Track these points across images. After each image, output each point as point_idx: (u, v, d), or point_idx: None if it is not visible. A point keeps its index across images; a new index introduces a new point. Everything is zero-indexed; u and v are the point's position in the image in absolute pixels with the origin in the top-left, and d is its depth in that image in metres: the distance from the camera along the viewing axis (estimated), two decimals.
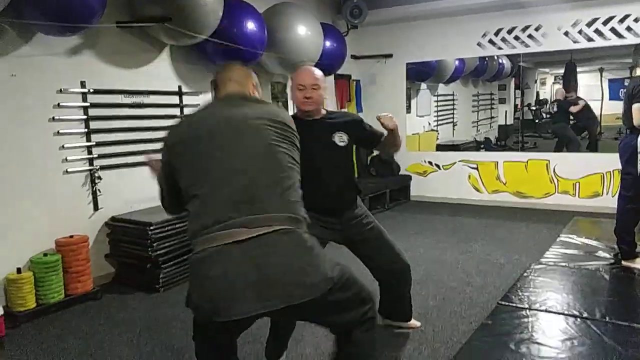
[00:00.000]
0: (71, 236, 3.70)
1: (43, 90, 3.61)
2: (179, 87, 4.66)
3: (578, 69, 8.49)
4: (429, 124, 9.16)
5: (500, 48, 6.16)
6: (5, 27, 3.27)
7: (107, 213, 4.06)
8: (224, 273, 1.50)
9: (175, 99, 4.63)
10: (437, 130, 9.29)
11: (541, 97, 11.46)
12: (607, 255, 3.92)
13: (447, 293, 3.45)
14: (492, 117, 11.33)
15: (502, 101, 11.46)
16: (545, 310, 2.98)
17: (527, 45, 5.94)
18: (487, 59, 9.62)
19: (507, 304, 3.10)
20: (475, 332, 2.78)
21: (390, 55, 6.80)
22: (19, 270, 3.39)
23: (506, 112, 11.05)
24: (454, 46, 6.40)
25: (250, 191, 1.60)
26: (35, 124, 3.58)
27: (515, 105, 10.90)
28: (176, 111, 4.62)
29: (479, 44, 6.24)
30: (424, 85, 8.69)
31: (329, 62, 5.71)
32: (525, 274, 3.61)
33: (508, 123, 10.90)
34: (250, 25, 4.58)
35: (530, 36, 5.90)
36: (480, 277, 3.72)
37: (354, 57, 6.90)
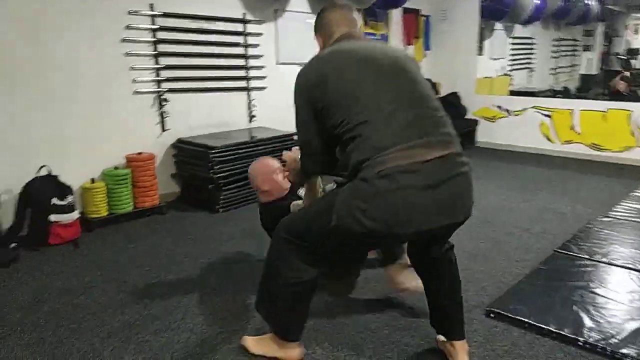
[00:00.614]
0: (139, 153, 3.89)
1: (114, 11, 3.72)
2: (243, 14, 4.63)
3: None
4: (502, 68, 8.66)
5: None
6: None
7: (174, 135, 4.22)
8: (413, 189, 1.54)
9: (239, 27, 4.62)
10: (511, 76, 8.78)
11: (632, 47, 10.47)
12: None
13: (503, 237, 3.38)
14: (573, 65, 10.55)
15: (587, 48, 10.60)
16: (606, 263, 2.85)
17: None
18: None
19: (565, 252, 3.00)
20: (526, 275, 2.72)
21: None
22: (92, 181, 3.64)
23: (590, 60, 10.24)
24: None
25: (426, 115, 1.64)
26: (106, 44, 3.71)
27: (602, 54, 10.06)
28: (240, 39, 4.62)
29: None
30: (499, 25, 8.14)
31: None
32: (588, 225, 3.45)
33: (591, 73, 10.12)
34: None
35: None
36: (540, 225, 3.59)
37: None
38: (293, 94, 1.78)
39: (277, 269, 1.85)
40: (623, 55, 10.28)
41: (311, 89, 1.71)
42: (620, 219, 3.60)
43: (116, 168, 3.76)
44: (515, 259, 3.00)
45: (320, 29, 1.92)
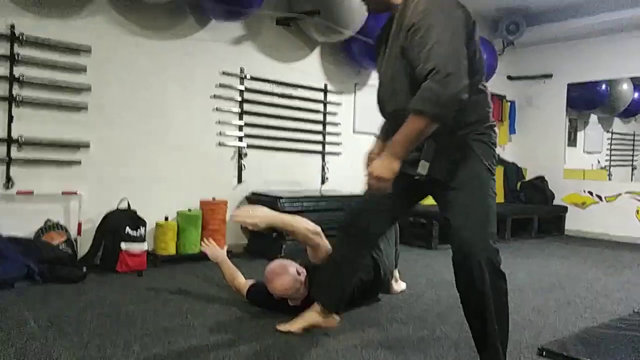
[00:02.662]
0: (213, 198, 4.17)
1: (209, 70, 4.21)
2: (325, 85, 5.01)
3: None
4: (599, 162, 8.24)
5: None
6: (187, 13, 3.95)
7: (248, 187, 4.48)
8: None
9: (320, 96, 4.98)
10: (609, 171, 8.30)
11: None
12: None
13: (574, 299, 3.06)
14: None
15: None
16: None
17: None
18: None
19: None
20: (594, 326, 2.42)
21: (549, 76, 6.41)
22: (166, 219, 3.92)
23: None
24: (623, 64, 5.80)
25: None
26: (200, 98, 4.18)
27: None
28: (320, 106, 4.96)
29: None
30: (593, 118, 7.90)
31: None
32: None
33: None
34: None
35: None
36: (622, 293, 3.22)
37: (509, 77, 6.65)
38: (448, 12, 1.65)
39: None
40: None
41: (467, 25, 1.67)
42: None
43: (189, 210, 4.04)
44: (583, 316, 2.70)
45: None
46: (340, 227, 2.20)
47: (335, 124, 5.10)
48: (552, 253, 4.88)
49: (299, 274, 2.47)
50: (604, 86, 6.62)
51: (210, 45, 4.20)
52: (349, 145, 5.18)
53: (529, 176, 6.64)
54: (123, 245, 3.48)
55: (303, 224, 2.45)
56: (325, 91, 5.01)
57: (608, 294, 3.20)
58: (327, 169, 5.01)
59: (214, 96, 4.24)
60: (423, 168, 1.75)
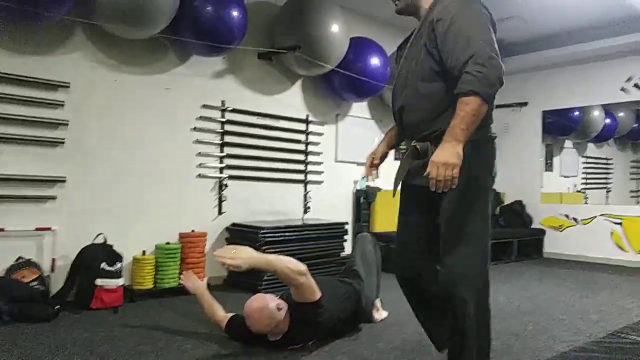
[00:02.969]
0: (193, 230, 4.16)
1: (190, 103, 4.26)
2: (307, 115, 5.10)
3: None
4: (575, 185, 8.44)
5: None
6: (168, 47, 4.01)
7: (229, 218, 4.49)
8: None
9: (302, 126, 5.06)
10: (585, 194, 8.50)
11: None
12: None
13: (553, 323, 3.11)
14: None
15: None
16: None
17: None
18: None
19: (620, 334, 2.70)
20: (569, 350, 2.46)
21: (525, 104, 6.61)
22: (144, 253, 3.90)
23: None
24: (594, 92, 6.03)
25: None
26: (180, 130, 4.21)
27: None
28: (302, 137, 5.03)
29: (622, 89, 5.78)
30: (568, 143, 8.13)
31: None
32: None
33: None
34: (374, 61, 4.90)
35: None
36: (597, 315, 3.28)
37: None
38: (478, 12, 1.80)
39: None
40: None
41: (492, 25, 1.81)
42: None
43: (168, 243, 4.01)
44: (561, 340, 2.74)
45: None
46: (401, 285, 2.14)
47: (318, 154, 5.16)
48: (531, 276, 4.94)
49: (279, 309, 2.45)
50: (577, 113, 6.85)
51: (191, 80, 4.27)
52: (331, 174, 5.25)
53: (507, 201, 6.76)
54: (98, 281, 3.43)
55: (285, 264, 2.42)
56: (307, 122, 5.08)
57: (584, 317, 3.26)
58: (310, 197, 5.05)
59: (195, 129, 4.28)
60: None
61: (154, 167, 4.07)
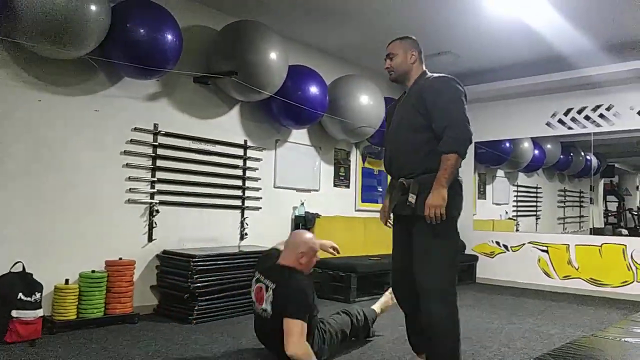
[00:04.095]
0: (120, 258, 3.97)
1: (120, 126, 4.12)
2: (245, 141, 5.05)
3: None
4: (507, 212, 8.82)
5: (570, 128, 5.99)
6: (96, 68, 3.87)
7: (160, 246, 4.33)
8: None
9: (240, 151, 5.00)
10: (517, 221, 8.88)
11: None
12: None
13: (480, 350, 3.17)
14: (581, 216, 10.62)
15: (593, 202, 10.77)
16: None
17: (598, 125, 5.74)
18: (572, 153, 9.31)
19: None
20: None
21: None
22: (66, 282, 3.68)
23: (597, 213, 10.32)
24: (523, 126, 6.35)
25: None
26: (108, 154, 4.05)
27: (607, 210, 10.20)
28: (239, 162, 4.97)
29: (548, 124, 6.13)
30: (500, 172, 8.51)
31: None
32: (569, 342, 3.22)
33: (597, 226, 10.15)
34: (313, 89, 4.95)
35: (601, 116, 5.72)
36: (522, 342, 3.38)
37: None
38: (455, 87, 2.44)
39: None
40: (636, 211, 10.37)
41: (465, 100, 2.45)
42: (607, 338, 3.35)
43: (93, 271, 3.81)
44: None
45: (420, 50, 2.59)
46: (394, 292, 2.73)
47: (256, 179, 5.11)
48: (463, 303, 5.03)
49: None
50: (507, 144, 7.18)
51: (122, 102, 4.14)
52: (269, 200, 5.20)
53: None
54: (14, 313, 3.21)
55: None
56: (245, 147, 5.03)
57: (509, 343, 3.35)
58: (247, 224, 4.97)
59: (124, 152, 4.14)
60: (411, 198, 2.38)
61: (80, 191, 3.88)
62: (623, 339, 3.32)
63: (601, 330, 3.58)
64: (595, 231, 9.92)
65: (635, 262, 5.33)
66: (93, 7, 3.35)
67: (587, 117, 5.82)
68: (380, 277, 5.27)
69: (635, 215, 10.24)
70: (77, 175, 3.87)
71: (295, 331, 2.56)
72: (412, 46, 2.57)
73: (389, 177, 2.72)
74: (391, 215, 2.63)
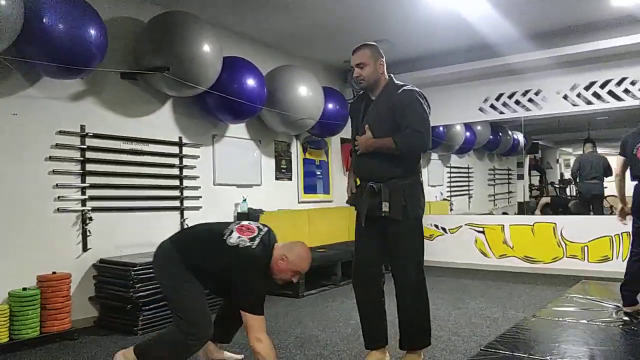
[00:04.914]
0: (54, 272, 3.70)
1: (42, 130, 3.79)
2: (180, 138, 4.83)
3: (598, 148, 8.34)
4: (442, 193, 9.12)
5: (502, 112, 6.24)
6: (11, 69, 3.52)
7: (96, 255, 4.07)
8: None
9: (175, 149, 4.78)
10: (450, 201, 9.21)
11: (565, 177, 11.35)
12: (607, 310, 3.67)
13: (432, 341, 3.24)
14: (509, 192, 11.20)
15: (521, 177, 11.38)
16: (529, 355, 2.75)
17: (528, 109, 6.01)
18: (500, 133, 9.75)
19: (490, 349, 2.89)
20: None
21: None
22: None
23: (524, 188, 10.94)
24: (456, 111, 6.53)
25: None
26: (31, 161, 3.72)
27: (531, 185, 10.82)
28: (175, 160, 4.75)
29: (480, 109, 6.35)
30: (434, 155, 8.75)
31: (331, 123, 5.87)
32: (516, 326, 3.39)
33: (526, 200, 10.75)
34: (250, 82, 4.79)
35: (530, 100, 5.99)
36: (470, 329, 3.50)
37: None
38: (424, 103, 2.73)
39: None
40: (557, 185, 11.06)
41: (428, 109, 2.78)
42: (546, 318, 3.56)
43: (24, 289, 3.52)
44: (440, 358, 2.86)
45: (384, 57, 2.78)
46: (355, 286, 2.89)
47: (194, 177, 4.91)
48: None
49: None
50: (441, 129, 7.38)
51: (43, 103, 3.81)
52: (209, 198, 5.02)
53: None
54: None
55: None
56: (180, 144, 4.81)
57: (458, 331, 3.45)
58: (187, 224, 4.78)
59: (50, 158, 3.82)
60: (385, 206, 2.64)
61: (3, 204, 3.56)
62: (560, 319, 3.52)
63: (540, 310, 3.79)
64: (521, 205, 10.53)
65: (565, 238, 5.68)
66: (2, 1, 3.01)
67: (517, 102, 6.08)
68: (328, 269, 5.28)
69: (557, 187, 10.96)
70: None
71: (255, 326, 2.45)
72: (379, 55, 2.75)
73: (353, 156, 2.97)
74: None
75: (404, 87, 2.73)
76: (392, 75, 2.85)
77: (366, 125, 2.74)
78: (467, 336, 3.33)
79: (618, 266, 5.18)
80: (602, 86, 5.49)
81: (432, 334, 3.36)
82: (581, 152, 8.39)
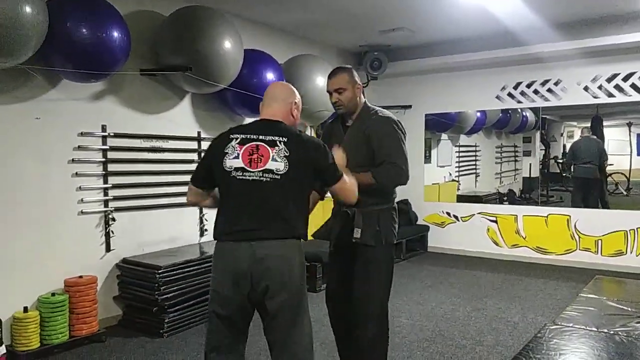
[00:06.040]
0: (80, 276, 3.73)
1: (65, 132, 3.75)
2: (198, 132, 4.78)
3: (605, 123, 8.33)
4: (450, 174, 9.11)
5: (519, 102, 6.17)
6: (33, 73, 3.44)
7: (119, 254, 4.10)
8: None
9: (194, 144, 4.74)
10: (458, 181, 9.22)
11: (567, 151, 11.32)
12: (628, 318, 3.73)
13: (456, 352, 3.32)
14: (516, 169, 11.18)
15: (527, 154, 11.34)
16: None
17: (546, 99, 5.94)
18: (510, 111, 9.66)
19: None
20: None
21: (409, 106, 6.87)
22: (25, 309, 3.42)
23: (530, 164, 10.93)
24: (473, 99, 6.45)
25: None
26: (55, 164, 3.70)
27: (542, 158, 10.78)
28: (194, 156, 4.72)
29: (497, 97, 6.27)
30: (444, 136, 8.70)
31: None
32: (538, 335, 3.45)
33: (533, 176, 10.75)
34: (270, 75, 4.71)
35: (549, 90, 5.91)
36: (492, 336, 3.57)
37: None
38: (399, 131, 2.62)
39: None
40: (561, 159, 11.05)
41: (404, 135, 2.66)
42: (567, 326, 3.62)
43: (53, 294, 3.56)
44: None
45: (360, 83, 2.68)
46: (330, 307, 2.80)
47: None
48: (418, 279, 5.27)
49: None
50: (453, 112, 7.31)
51: (64, 105, 3.75)
52: None
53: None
54: None
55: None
56: (199, 139, 4.77)
57: (481, 339, 3.52)
58: (206, 220, 4.79)
59: (73, 160, 3.79)
60: (357, 233, 2.57)
61: (26, 209, 3.55)
62: (582, 328, 3.58)
63: (559, 316, 3.85)
64: (525, 181, 10.54)
65: (579, 231, 5.73)
66: (28, 9, 2.91)
67: (535, 92, 6.00)
68: None
69: (560, 163, 10.97)
70: (22, 192, 3.53)
71: (349, 187, 2.27)
72: (356, 79, 2.68)
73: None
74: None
75: (379, 113, 2.66)
76: (366, 100, 2.74)
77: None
78: (490, 345, 3.40)
79: (631, 261, 5.29)
80: (625, 79, 5.40)
81: (455, 343, 3.45)
82: (582, 136, 8.37)
